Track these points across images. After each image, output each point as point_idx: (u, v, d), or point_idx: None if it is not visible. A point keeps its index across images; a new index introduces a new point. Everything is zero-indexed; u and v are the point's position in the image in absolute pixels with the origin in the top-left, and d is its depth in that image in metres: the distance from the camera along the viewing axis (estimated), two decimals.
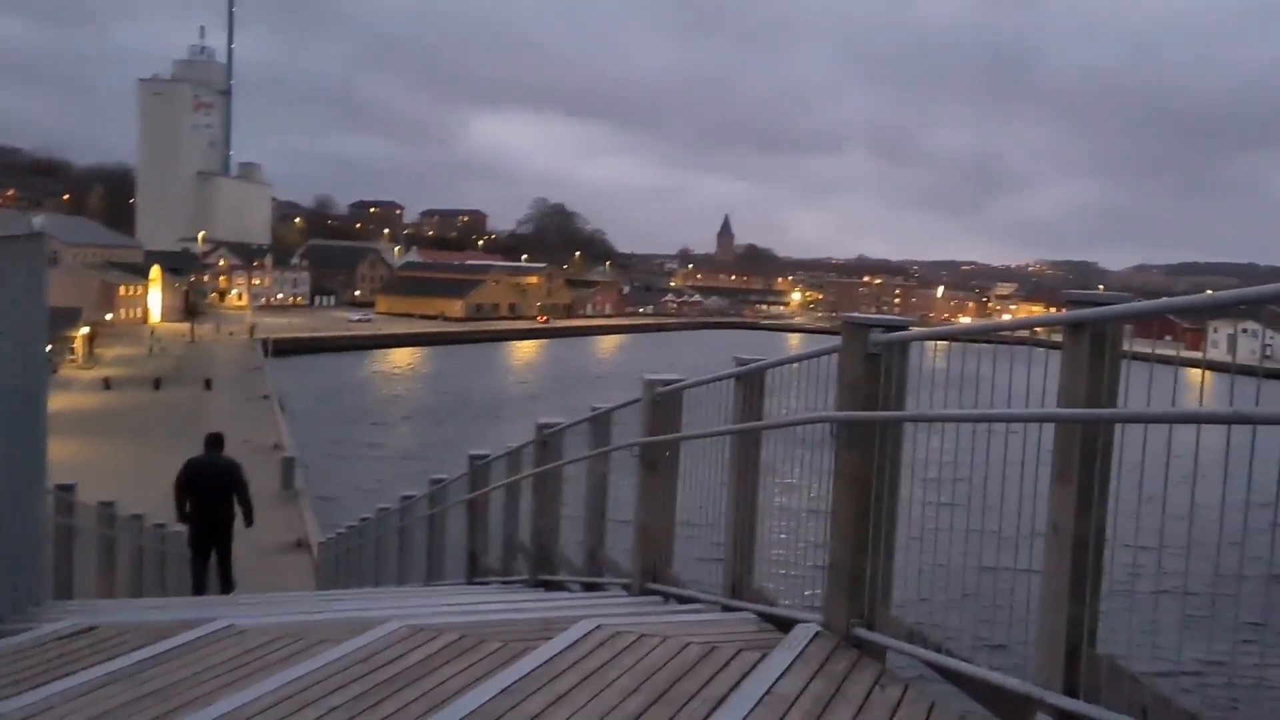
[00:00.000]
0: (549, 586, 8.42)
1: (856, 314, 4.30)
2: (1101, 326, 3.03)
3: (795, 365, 4.92)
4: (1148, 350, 3.09)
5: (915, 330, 4.16)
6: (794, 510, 5.03)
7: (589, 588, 7.68)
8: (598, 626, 4.60)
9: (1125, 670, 2.97)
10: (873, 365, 4.16)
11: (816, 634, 4.24)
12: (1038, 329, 3.74)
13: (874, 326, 4.19)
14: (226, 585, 12.55)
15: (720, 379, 5.68)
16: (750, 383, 5.36)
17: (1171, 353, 3.00)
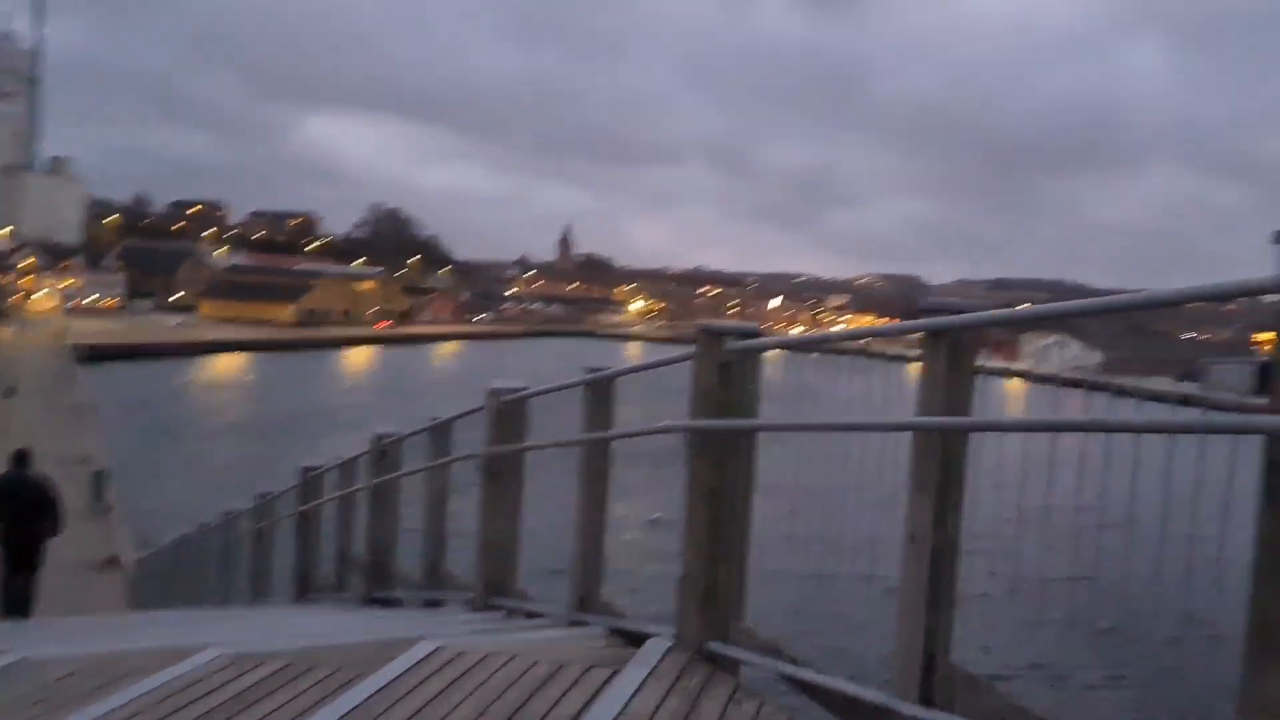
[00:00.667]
0: (385, 604, 8.06)
1: (710, 321, 4.22)
2: (960, 335, 3.02)
3: (647, 372, 4.81)
4: (990, 364, 3.13)
5: (769, 338, 4.11)
6: (646, 521, 4.91)
7: (428, 604, 7.38)
8: (439, 647, 4.36)
9: (981, 679, 2.97)
10: (726, 373, 4.09)
11: (669, 649, 4.12)
12: (872, 340, 3.73)
13: (728, 334, 4.12)
14: (25, 608, 11.56)
15: (569, 387, 5.53)
16: (600, 391, 5.22)
17: (1026, 367, 3.02)
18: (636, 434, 4.79)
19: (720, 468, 4.08)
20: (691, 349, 4.20)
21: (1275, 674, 2.08)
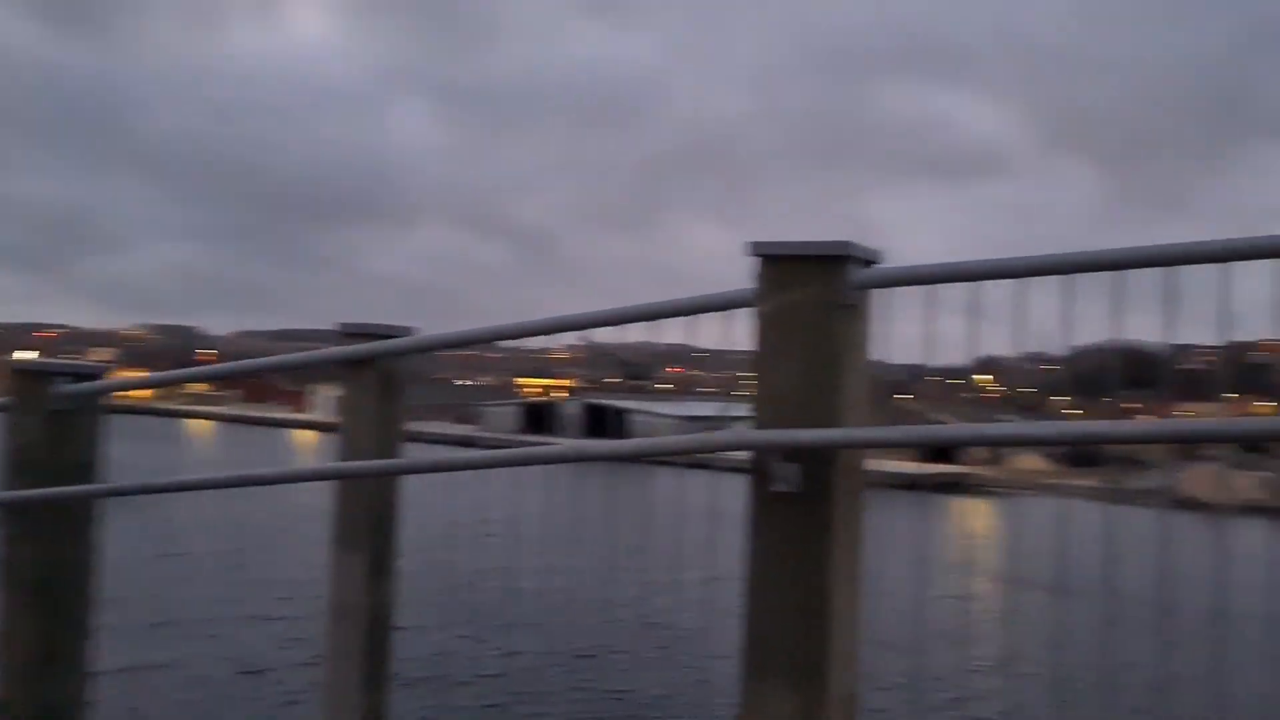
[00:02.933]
0: None
1: (32, 359, 3.25)
2: (392, 363, 2.62)
3: None
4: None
5: (117, 379, 3.28)
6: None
7: None
8: None
9: None
10: (59, 426, 3.16)
11: None
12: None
13: (58, 375, 3.19)
14: None
15: None
16: None
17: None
18: None
19: (52, 551, 3.13)
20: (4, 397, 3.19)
21: (768, 687, 2.05)
